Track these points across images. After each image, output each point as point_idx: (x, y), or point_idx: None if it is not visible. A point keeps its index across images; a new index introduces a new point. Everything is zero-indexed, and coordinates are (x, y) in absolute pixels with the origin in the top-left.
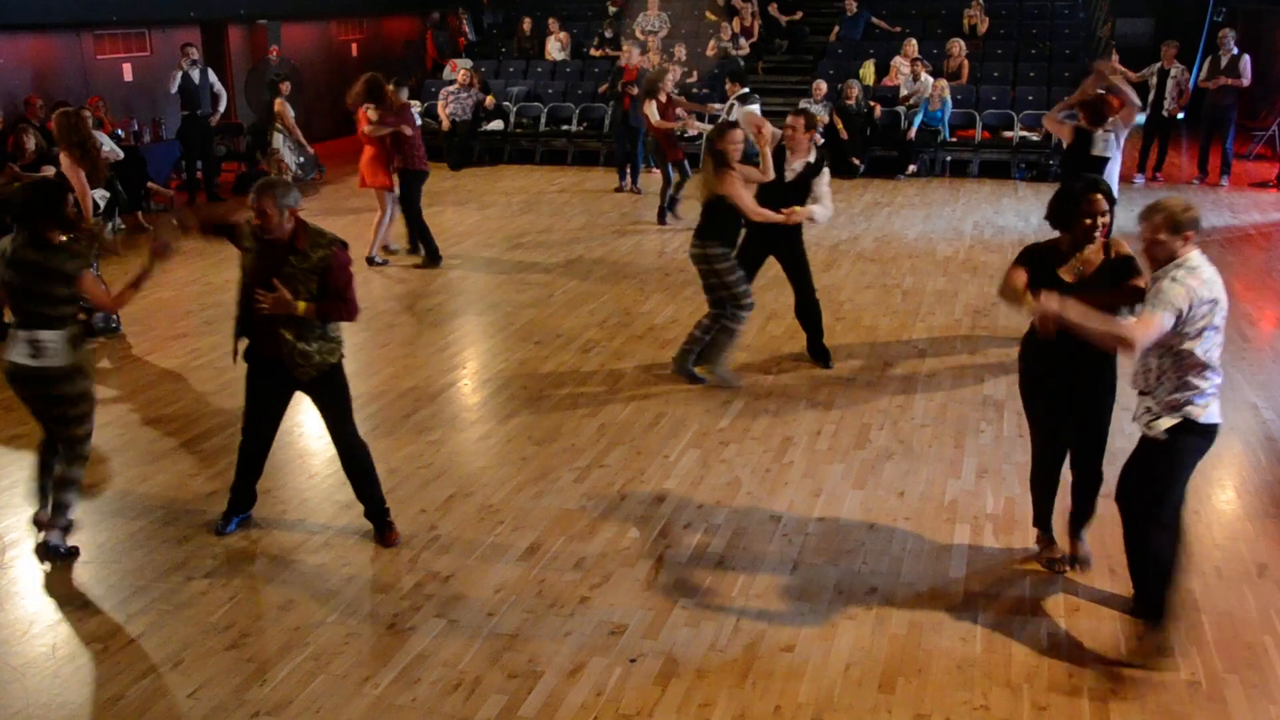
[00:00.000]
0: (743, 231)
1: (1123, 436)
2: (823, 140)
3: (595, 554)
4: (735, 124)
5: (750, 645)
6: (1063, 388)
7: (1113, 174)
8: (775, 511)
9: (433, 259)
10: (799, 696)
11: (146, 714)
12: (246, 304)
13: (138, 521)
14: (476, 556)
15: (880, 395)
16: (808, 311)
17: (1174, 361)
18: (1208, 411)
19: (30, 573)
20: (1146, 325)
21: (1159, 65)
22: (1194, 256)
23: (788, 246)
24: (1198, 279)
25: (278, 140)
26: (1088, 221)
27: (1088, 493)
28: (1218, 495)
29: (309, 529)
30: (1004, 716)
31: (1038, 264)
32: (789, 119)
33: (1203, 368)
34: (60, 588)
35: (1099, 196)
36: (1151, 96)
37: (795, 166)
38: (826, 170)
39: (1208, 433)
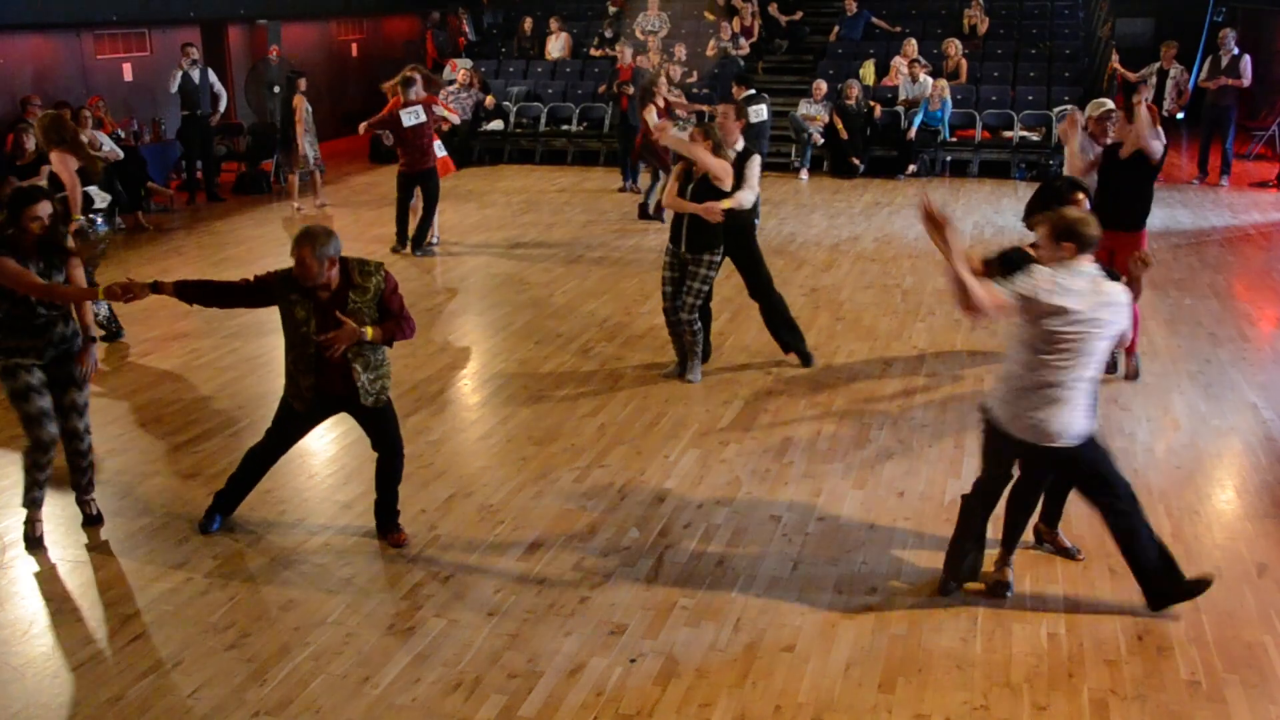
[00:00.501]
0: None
1: (1122, 436)
2: (823, 140)
3: (595, 554)
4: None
5: (750, 645)
6: None
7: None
8: (775, 511)
9: (398, 248)
10: (799, 696)
11: (146, 714)
12: (309, 352)
13: (138, 521)
14: (476, 556)
15: (880, 395)
16: (770, 312)
17: (1019, 356)
18: (1005, 417)
19: (30, 573)
20: (992, 294)
21: (1158, 65)
22: (1079, 267)
23: (736, 243)
24: (1051, 282)
25: (301, 134)
26: None
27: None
28: (1218, 495)
29: (309, 529)
30: (1004, 716)
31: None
32: (720, 108)
33: (1048, 371)
34: (60, 588)
35: (1082, 195)
36: (1150, 97)
37: (727, 155)
38: (757, 156)
39: (997, 434)
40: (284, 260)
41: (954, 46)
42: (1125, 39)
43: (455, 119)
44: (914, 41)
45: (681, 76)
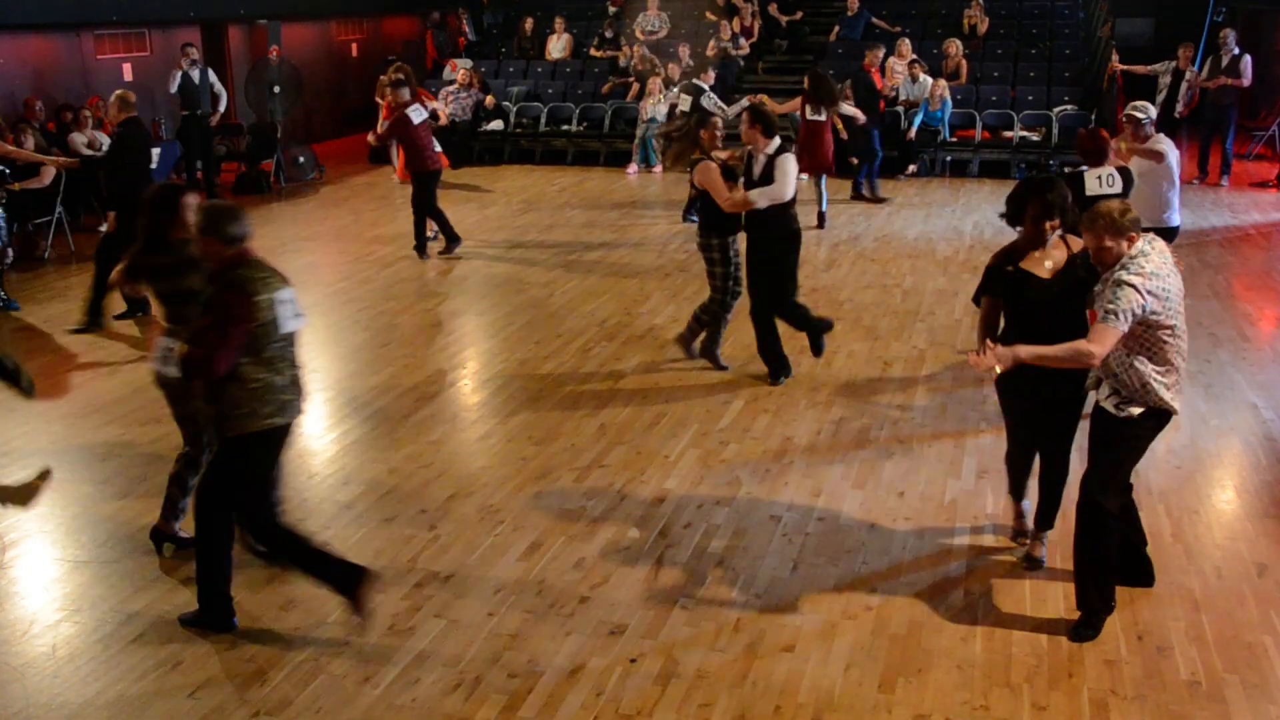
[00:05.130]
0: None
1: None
2: None
3: (595, 554)
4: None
5: (750, 645)
6: (1038, 395)
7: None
8: (775, 511)
9: (420, 252)
10: (799, 696)
11: (146, 714)
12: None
13: (138, 521)
14: (476, 556)
15: (880, 395)
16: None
17: (1130, 361)
18: (1168, 399)
19: (30, 573)
20: (1103, 338)
21: (1174, 65)
22: (1139, 246)
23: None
24: (1142, 274)
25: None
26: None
27: (1054, 484)
28: (1218, 495)
29: (309, 529)
30: (1004, 716)
31: (1009, 283)
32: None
33: (1162, 365)
34: (60, 588)
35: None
36: (1163, 97)
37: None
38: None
39: (1166, 417)
40: (285, 261)
41: (954, 46)
42: (1125, 39)
43: (440, 106)
44: (908, 42)
45: (681, 76)
